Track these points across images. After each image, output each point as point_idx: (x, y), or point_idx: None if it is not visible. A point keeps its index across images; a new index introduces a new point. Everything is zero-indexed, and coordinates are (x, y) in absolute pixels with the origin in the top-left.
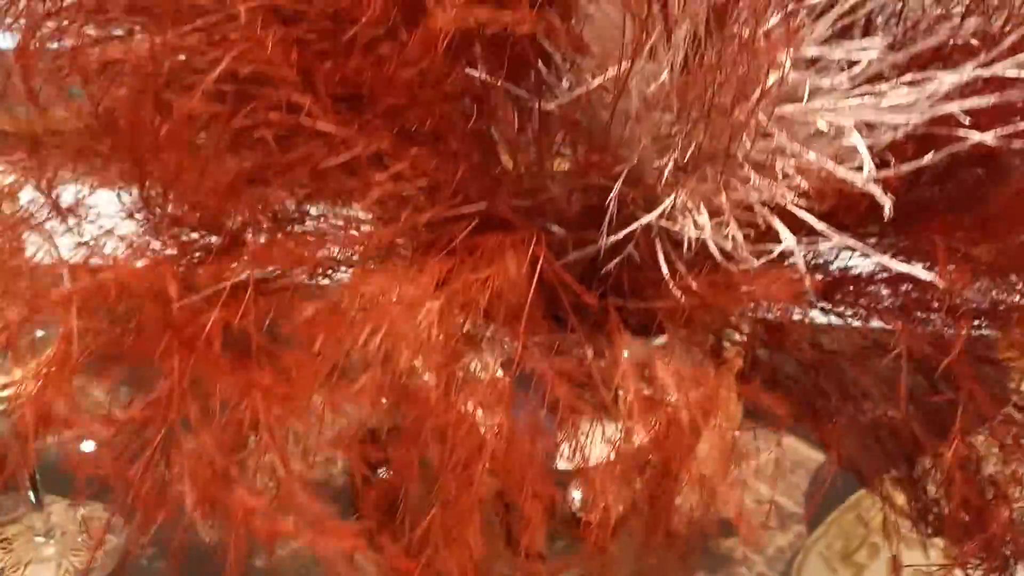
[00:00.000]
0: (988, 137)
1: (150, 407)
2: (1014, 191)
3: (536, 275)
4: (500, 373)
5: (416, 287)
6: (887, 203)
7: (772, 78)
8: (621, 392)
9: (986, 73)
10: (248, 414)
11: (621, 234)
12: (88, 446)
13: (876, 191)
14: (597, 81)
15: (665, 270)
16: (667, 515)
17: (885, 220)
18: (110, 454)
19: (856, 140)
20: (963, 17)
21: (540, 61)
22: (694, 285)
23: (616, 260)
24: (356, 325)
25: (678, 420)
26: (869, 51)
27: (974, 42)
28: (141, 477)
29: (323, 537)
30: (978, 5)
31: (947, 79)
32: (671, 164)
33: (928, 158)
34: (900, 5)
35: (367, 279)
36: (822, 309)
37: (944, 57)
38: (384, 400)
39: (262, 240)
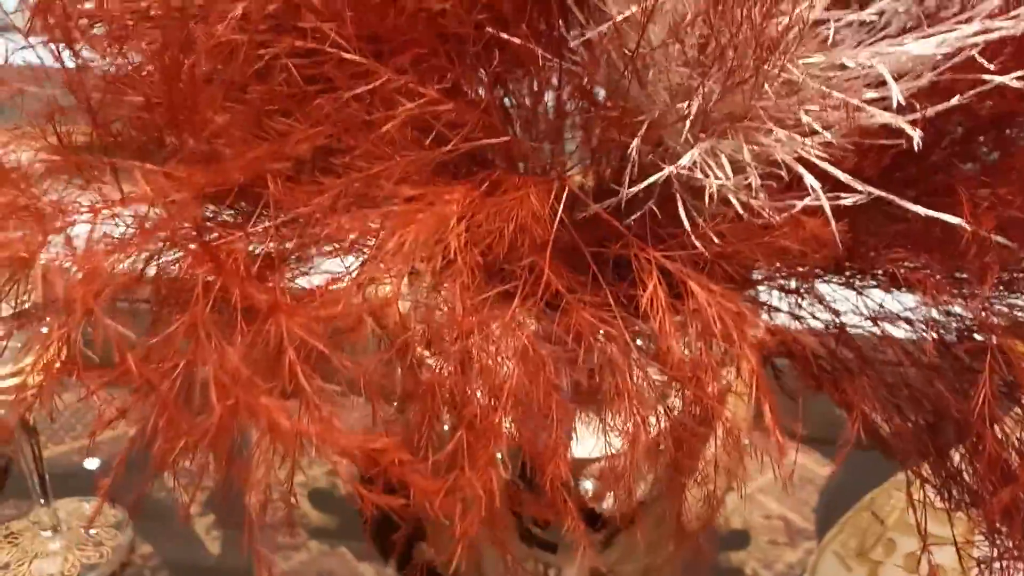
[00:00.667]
0: (1009, 79)
1: (174, 333)
2: None
3: (559, 213)
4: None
5: (443, 202)
6: (916, 136)
7: (797, 12)
8: (650, 319)
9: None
10: (273, 330)
11: (642, 185)
12: (93, 463)
13: (904, 125)
14: (621, 16)
15: (686, 223)
16: (680, 502)
17: (915, 151)
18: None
19: (883, 71)
20: None
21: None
22: (715, 238)
23: (637, 214)
24: (382, 234)
25: (709, 338)
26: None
27: None
28: (165, 393)
29: (349, 444)
30: None
31: (969, 29)
32: (691, 117)
33: (955, 100)
34: None
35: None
36: (842, 282)
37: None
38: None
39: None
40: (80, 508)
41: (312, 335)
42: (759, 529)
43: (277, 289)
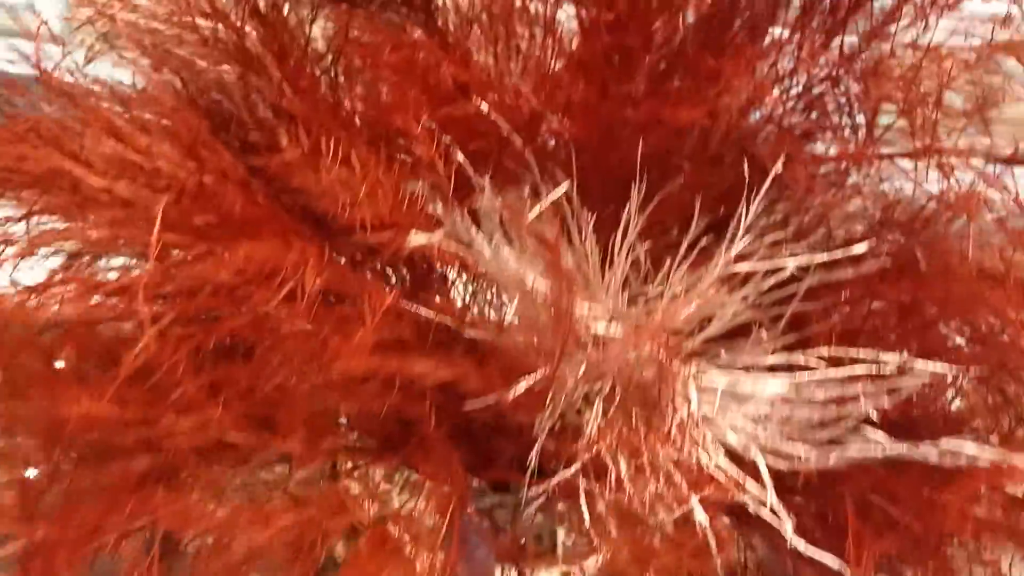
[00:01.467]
0: (900, 448)
1: None
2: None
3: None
4: None
5: None
6: (789, 525)
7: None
8: None
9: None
10: None
11: (543, 487)
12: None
13: (779, 513)
14: (520, 388)
15: (587, 518)
16: None
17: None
18: None
19: (761, 466)
20: None
21: None
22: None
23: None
24: None
25: None
26: (772, 388)
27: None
28: None
29: None
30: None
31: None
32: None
33: (833, 458)
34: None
35: None
36: None
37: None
38: None
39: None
40: None
41: None
42: None
43: None
